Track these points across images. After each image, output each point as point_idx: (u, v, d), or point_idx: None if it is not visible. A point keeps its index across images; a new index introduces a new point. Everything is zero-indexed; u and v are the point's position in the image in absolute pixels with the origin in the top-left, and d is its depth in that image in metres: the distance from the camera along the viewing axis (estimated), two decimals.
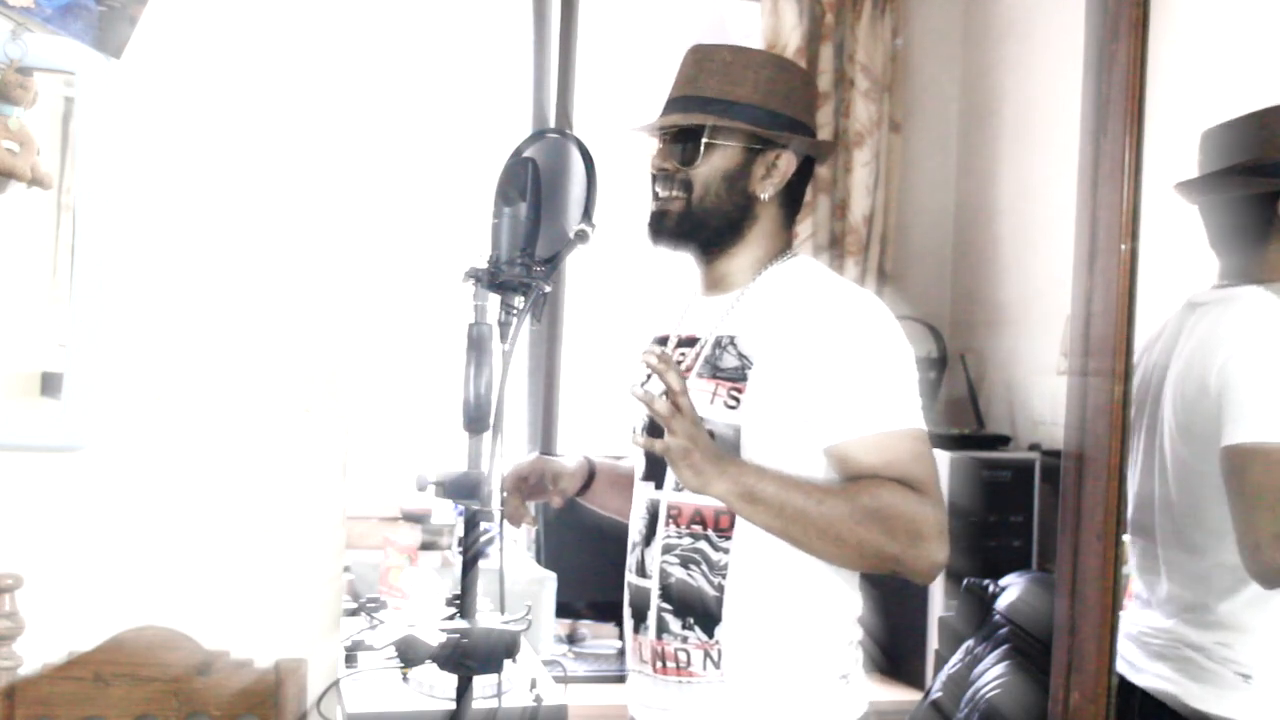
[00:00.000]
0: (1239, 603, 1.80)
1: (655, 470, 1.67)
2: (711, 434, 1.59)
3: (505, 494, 1.80)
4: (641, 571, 1.68)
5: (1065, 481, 1.82)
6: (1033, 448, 2.88)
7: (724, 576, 1.59)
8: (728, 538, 1.59)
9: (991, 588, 2.25)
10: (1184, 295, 1.98)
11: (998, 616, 2.17)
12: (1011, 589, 2.19)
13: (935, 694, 2.19)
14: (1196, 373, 1.83)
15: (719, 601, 1.59)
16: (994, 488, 2.67)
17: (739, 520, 1.57)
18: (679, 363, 1.69)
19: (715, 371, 1.63)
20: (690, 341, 1.70)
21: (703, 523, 1.61)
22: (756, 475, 1.52)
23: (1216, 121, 1.96)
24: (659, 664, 1.65)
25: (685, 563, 1.62)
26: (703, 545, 1.61)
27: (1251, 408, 1.73)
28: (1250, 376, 1.75)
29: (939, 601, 2.56)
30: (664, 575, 1.64)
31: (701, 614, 1.61)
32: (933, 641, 2.53)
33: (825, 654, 1.62)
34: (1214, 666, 1.82)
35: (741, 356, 1.61)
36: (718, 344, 1.65)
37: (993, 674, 2.05)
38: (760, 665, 1.59)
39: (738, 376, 1.60)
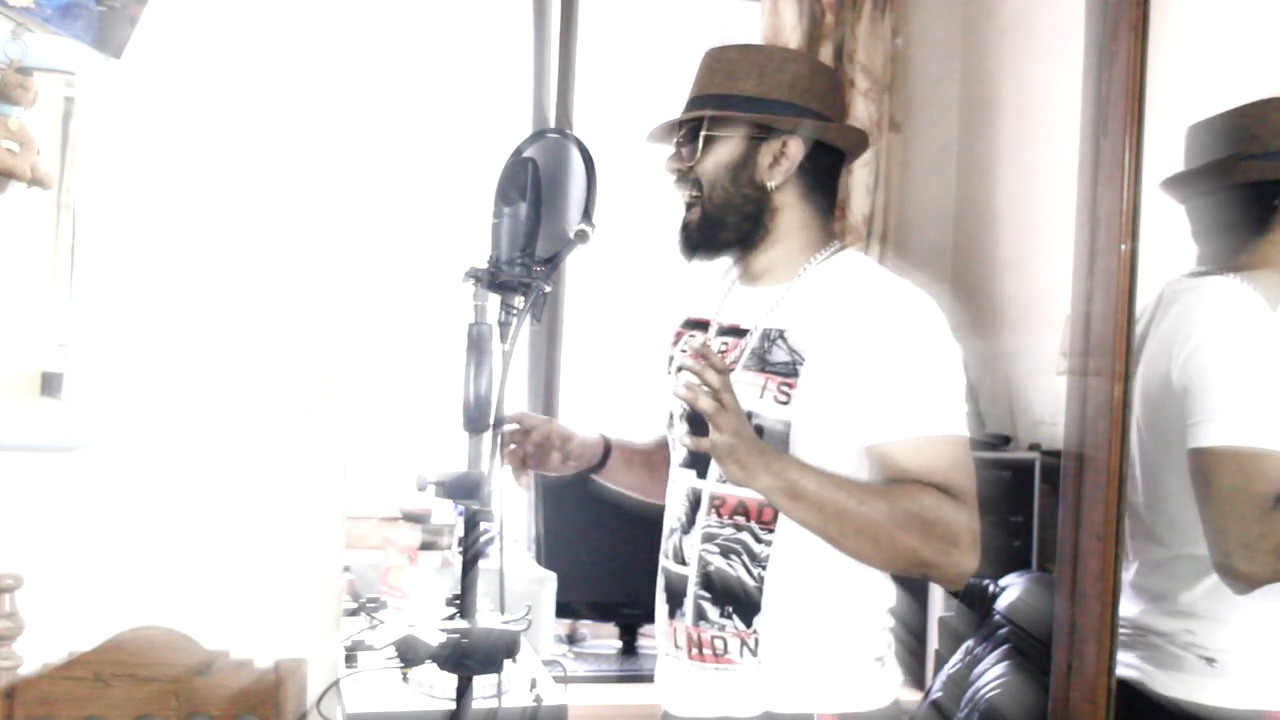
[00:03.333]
0: (1200, 591, 1.80)
1: (698, 458, 1.65)
2: (761, 428, 1.60)
3: (509, 443, 1.80)
4: (679, 558, 1.69)
5: (1065, 481, 1.82)
6: (1033, 448, 2.87)
7: (764, 568, 1.60)
8: (771, 530, 1.60)
9: (991, 588, 2.25)
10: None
11: (998, 616, 2.16)
12: (1011, 589, 2.19)
13: (935, 694, 2.19)
14: (1160, 365, 1.81)
15: (759, 592, 1.60)
16: (994, 488, 2.66)
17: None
18: (721, 352, 1.68)
19: (764, 365, 1.63)
20: (733, 331, 1.70)
21: (746, 514, 1.62)
22: (799, 471, 1.52)
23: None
24: (695, 650, 1.66)
25: (726, 552, 1.63)
26: (745, 537, 1.62)
27: (1220, 408, 1.71)
28: (1217, 374, 1.73)
29: (939, 601, 2.56)
30: (703, 563, 1.65)
31: (741, 603, 1.62)
32: (933, 641, 2.53)
33: (861, 638, 1.64)
34: (1179, 652, 1.82)
35: (793, 351, 1.61)
36: (766, 337, 1.65)
37: (993, 674, 2.05)
38: (798, 651, 1.61)
39: (789, 372, 1.60)
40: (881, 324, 1.58)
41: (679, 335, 1.81)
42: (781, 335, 1.63)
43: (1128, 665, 1.87)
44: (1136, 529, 1.90)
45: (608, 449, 1.90)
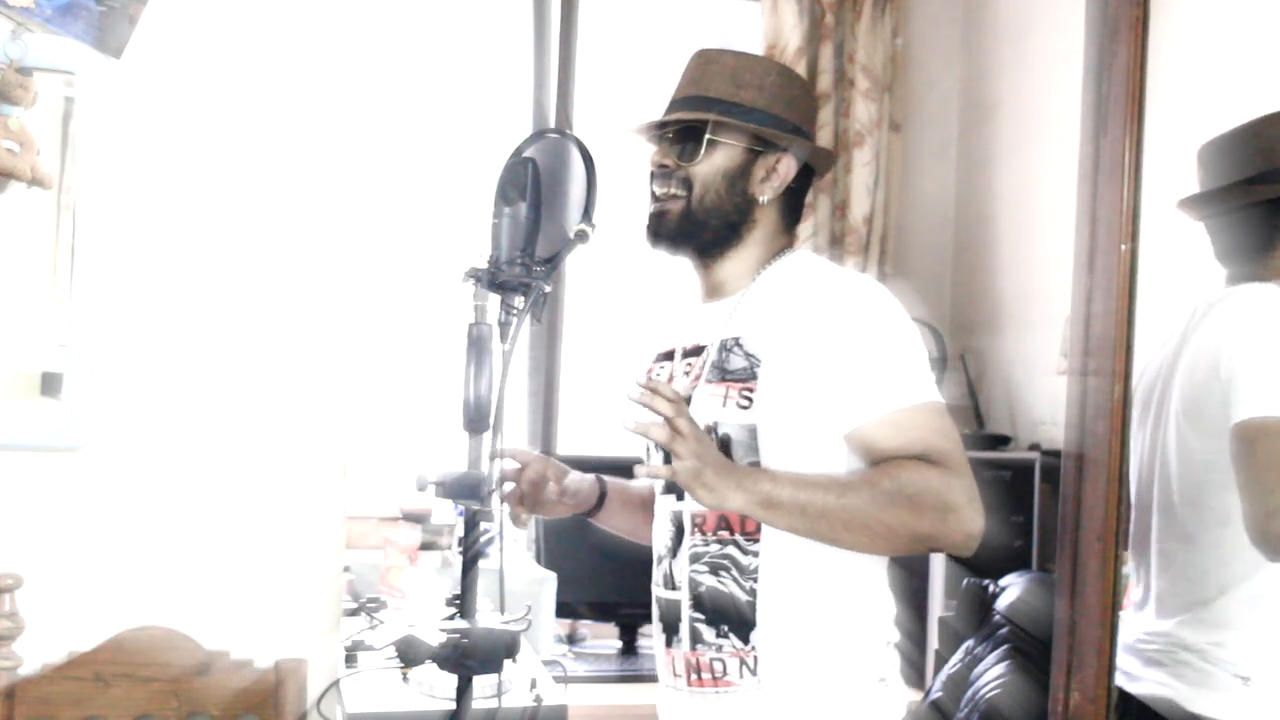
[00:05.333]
0: (1236, 598, 1.79)
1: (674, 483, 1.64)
2: (728, 437, 1.59)
3: (505, 481, 1.76)
4: (670, 584, 1.67)
5: (1065, 481, 1.82)
6: (1033, 448, 2.87)
7: (755, 580, 1.58)
8: (755, 540, 1.58)
9: (991, 588, 2.25)
10: (1185, 295, 1.98)
11: (998, 616, 2.17)
12: (1011, 589, 2.19)
13: (935, 694, 2.19)
14: (1204, 360, 1.83)
15: (752, 606, 1.58)
16: (994, 488, 2.66)
17: None
18: (685, 373, 1.69)
19: (724, 375, 1.62)
20: (696, 350, 1.70)
21: (729, 527, 1.60)
22: (771, 481, 1.50)
23: (1213, 131, 1.96)
24: (694, 676, 1.63)
25: (715, 570, 1.61)
26: (731, 550, 1.59)
27: (1261, 385, 1.73)
28: (1258, 357, 1.75)
29: (939, 601, 2.56)
30: (694, 585, 1.62)
31: (735, 621, 1.59)
32: (933, 641, 2.53)
33: (862, 656, 1.60)
34: (1210, 669, 1.81)
35: (749, 356, 1.61)
36: (723, 347, 1.64)
37: (993, 674, 2.05)
38: (798, 670, 1.57)
39: (747, 376, 1.60)
40: (831, 312, 1.57)
41: (649, 371, 1.80)
42: (737, 342, 1.63)
43: (1157, 683, 1.86)
44: (1170, 534, 1.89)
45: (603, 492, 1.87)
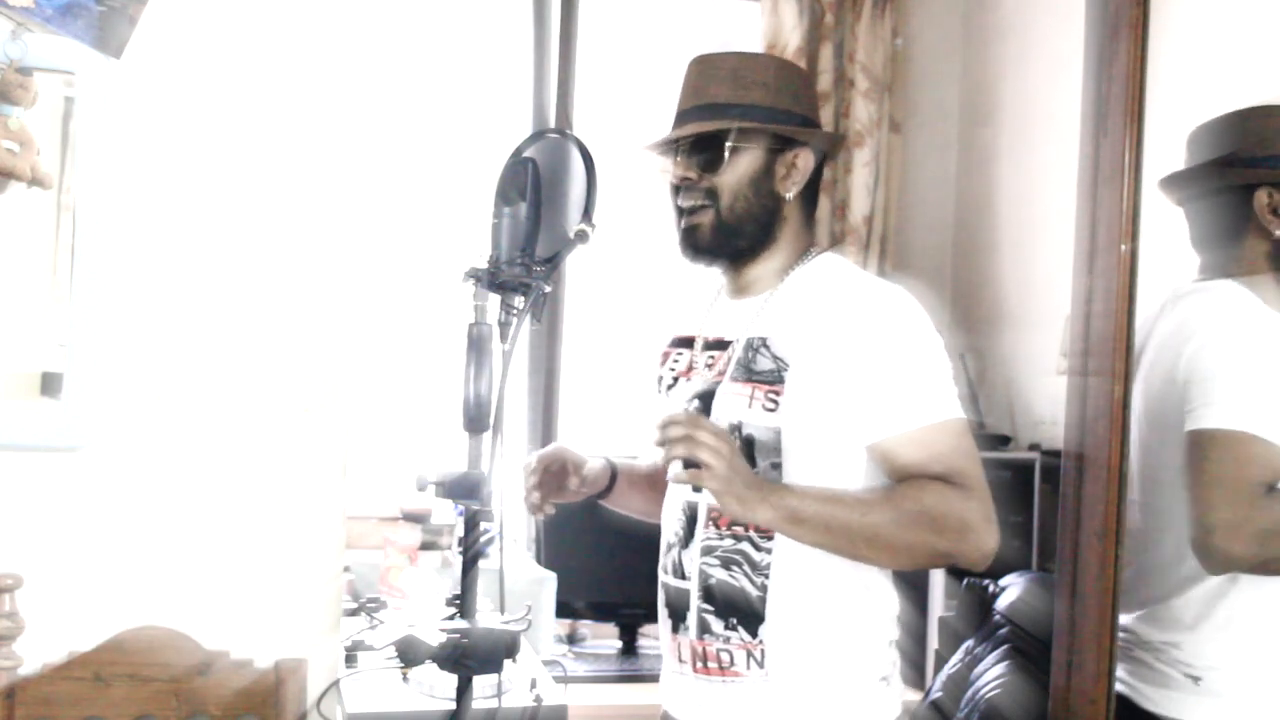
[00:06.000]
0: (1192, 598, 1.79)
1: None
2: (752, 437, 1.60)
3: (530, 483, 1.79)
4: (679, 573, 1.69)
5: (1065, 481, 1.82)
6: (1033, 448, 2.87)
7: (767, 577, 1.60)
8: (770, 538, 1.60)
9: (991, 588, 2.25)
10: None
11: (998, 616, 2.17)
12: (1011, 589, 2.19)
13: (935, 694, 2.19)
14: (1165, 361, 1.82)
15: (762, 601, 1.60)
16: (994, 488, 2.65)
17: None
18: (709, 365, 1.70)
19: (750, 375, 1.63)
20: (719, 344, 1.70)
21: (745, 524, 1.60)
22: (798, 497, 1.52)
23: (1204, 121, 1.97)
24: (700, 664, 1.65)
25: (726, 564, 1.62)
26: (745, 546, 1.61)
27: (1218, 395, 1.72)
28: (1218, 364, 1.74)
29: (939, 601, 2.56)
30: (704, 576, 1.64)
31: (745, 614, 1.61)
32: (933, 641, 2.53)
33: (867, 655, 1.63)
34: (1164, 668, 1.81)
35: (776, 359, 1.61)
36: (750, 346, 1.65)
37: (993, 674, 2.05)
38: (804, 664, 1.60)
39: (774, 379, 1.60)
40: (862, 323, 1.58)
41: (666, 355, 1.81)
42: (764, 343, 1.63)
43: (1117, 678, 1.86)
44: (1131, 533, 1.89)
45: (614, 474, 1.89)
